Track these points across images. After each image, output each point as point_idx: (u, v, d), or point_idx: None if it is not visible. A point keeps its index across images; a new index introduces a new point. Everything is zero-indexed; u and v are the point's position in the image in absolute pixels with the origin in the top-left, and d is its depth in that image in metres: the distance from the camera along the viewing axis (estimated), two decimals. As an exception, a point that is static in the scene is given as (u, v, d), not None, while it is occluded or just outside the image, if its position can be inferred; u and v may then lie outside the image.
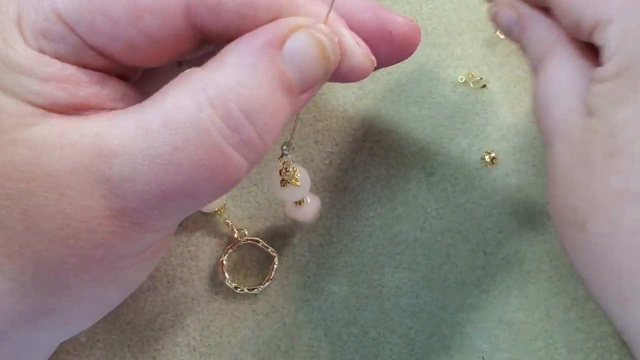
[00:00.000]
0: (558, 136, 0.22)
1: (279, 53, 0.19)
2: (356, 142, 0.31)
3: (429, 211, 0.31)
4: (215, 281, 0.30)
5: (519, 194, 0.31)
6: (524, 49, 0.26)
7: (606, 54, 0.21)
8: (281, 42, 0.19)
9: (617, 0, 0.21)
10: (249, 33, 0.19)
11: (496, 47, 0.32)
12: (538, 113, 0.23)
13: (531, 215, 0.31)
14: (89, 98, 0.19)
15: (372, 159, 0.31)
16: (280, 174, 0.26)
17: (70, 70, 0.19)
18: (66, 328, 0.22)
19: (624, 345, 0.29)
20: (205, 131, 0.18)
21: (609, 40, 0.21)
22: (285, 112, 0.20)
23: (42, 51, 0.19)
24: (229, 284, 0.29)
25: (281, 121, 0.20)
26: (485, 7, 0.33)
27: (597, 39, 0.21)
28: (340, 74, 0.21)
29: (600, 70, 0.21)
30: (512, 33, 0.26)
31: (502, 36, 0.32)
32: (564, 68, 0.23)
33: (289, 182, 0.26)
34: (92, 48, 0.19)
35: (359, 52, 0.21)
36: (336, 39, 0.20)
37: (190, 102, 0.18)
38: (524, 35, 0.25)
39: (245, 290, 0.29)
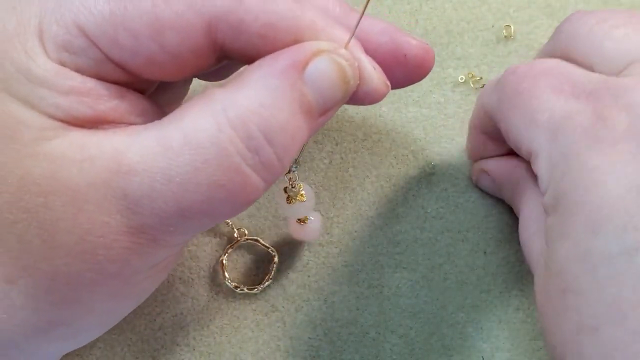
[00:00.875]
0: (535, 277, 0.23)
1: (301, 76, 0.19)
2: (356, 142, 0.31)
3: (429, 211, 0.31)
4: (215, 281, 0.30)
5: (519, 193, 0.31)
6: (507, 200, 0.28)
7: (542, 186, 0.21)
8: (303, 65, 0.19)
9: (544, 132, 0.21)
10: (271, 55, 0.19)
11: (496, 47, 0.32)
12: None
13: (531, 215, 0.31)
14: (107, 112, 0.19)
15: (372, 159, 0.31)
16: (286, 191, 0.26)
17: (90, 83, 0.19)
18: (75, 339, 0.22)
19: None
20: (225, 152, 0.18)
21: (540, 172, 0.21)
22: (303, 134, 0.20)
23: (62, 64, 0.19)
24: (228, 284, 0.29)
25: (299, 143, 0.20)
26: (484, 8, 0.33)
27: (535, 170, 0.22)
28: (357, 97, 0.21)
29: (543, 204, 0.21)
30: (496, 192, 0.29)
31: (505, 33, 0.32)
32: (531, 215, 0.24)
33: (294, 199, 0.26)
34: (112, 62, 0.19)
35: (375, 76, 0.21)
36: (356, 64, 0.20)
37: (211, 122, 0.18)
38: (502, 191, 0.29)
39: (245, 290, 0.29)
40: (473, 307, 0.30)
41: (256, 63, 0.19)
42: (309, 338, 0.29)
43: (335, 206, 0.31)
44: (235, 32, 0.19)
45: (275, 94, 0.19)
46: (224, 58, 0.21)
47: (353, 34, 0.20)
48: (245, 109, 0.18)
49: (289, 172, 0.26)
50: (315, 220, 0.28)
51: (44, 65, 0.18)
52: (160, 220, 0.18)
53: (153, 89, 0.23)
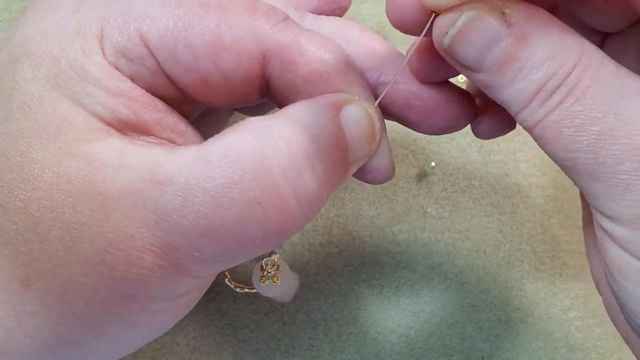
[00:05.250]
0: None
1: (338, 115, 0.19)
2: (356, 142, 0.31)
3: (429, 211, 0.31)
4: (215, 281, 0.30)
5: (518, 193, 0.31)
6: None
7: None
8: (340, 107, 0.19)
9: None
10: (309, 99, 0.20)
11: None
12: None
13: (531, 214, 0.31)
14: (151, 123, 0.19)
15: (372, 158, 0.31)
16: (262, 270, 0.26)
17: (139, 91, 0.19)
18: None
19: (623, 345, 0.29)
20: (266, 167, 0.17)
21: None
22: (337, 175, 0.19)
23: (117, 68, 0.19)
24: (229, 284, 0.29)
25: (335, 181, 0.19)
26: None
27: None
28: (365, 169, 0.21)
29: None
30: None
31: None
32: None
33: (269, 280, 0.26)
34: (166, 75, 0.19)
35: (389, 155, 0.21)
36: (383, 121, 0.21)
37: (254, 137, 0.18)
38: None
39: (245, 290, 0.29)
40: (473, 307, 0.30)
41: (296, 102, 0.20)
42: (309, 337, 0.29)
43: (335, 206, 0.31)
44: (284, 69, 0.20)
45: (318, 123, 0.19)
46: (265, 94, 0.21)
47: (383, 95, 0.21)
48: (290, 128, 0.18)
49: (270, 254, 0.26)
50: (282, 286, 0.27)
51: (99, 64, 0.18)
52: (187, 241, 0.17)
53: (196, 116, 0.23)
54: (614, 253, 0.18)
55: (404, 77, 0.21)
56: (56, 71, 0.18)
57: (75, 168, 0.17)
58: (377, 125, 0.20)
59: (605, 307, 0.23)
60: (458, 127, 0.22)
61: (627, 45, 0.21)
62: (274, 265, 0.26)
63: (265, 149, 0.17)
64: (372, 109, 0.20)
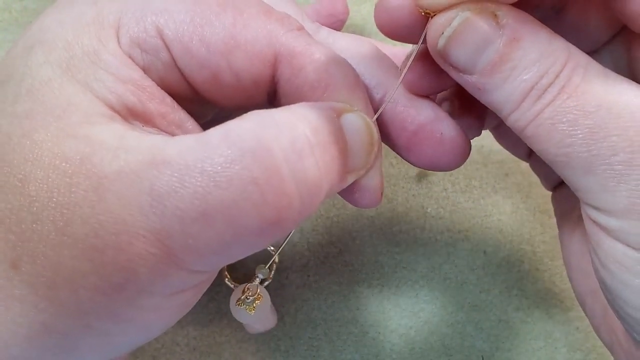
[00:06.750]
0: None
1: (339, 119, 0.20)
2: (356, 142, 0.31)
3: (429, 211, 0.31)
4: (215, 281, 0.29)
5: (518, 193, 0.31)
6: None
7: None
8: (341, 113, 0.20)
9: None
10: (311, 102, 0.20)
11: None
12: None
13: (531, 214, 0.31)
14: (156, 114, 0.19)
15: (372, 158, 0.31)
16: (242, 293, 0.26)
17: (149, 82, 0.19)
18: (68, 357, 0.20)
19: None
20: (267, 147, 0.17)
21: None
22: (335, 176, 0.19)
23: (131, 58, 0.19)
24: (229, 284, 0.29)
25: (334, 183, 0.19)
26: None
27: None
28: (353, 188, 0.21)
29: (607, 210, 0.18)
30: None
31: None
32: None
33: (245, 305, 0.26)
34: (179, 70, 0.20)
35: (379, 178, 0.21)
36: (379, 135, 0.21)
37: (255, 122, 0.17)
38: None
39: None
40: (473, 307, 0.30)
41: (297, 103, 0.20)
42: (309, 337, 0.29)
43: (335, 206, 0.31)
44: (293, 75, 0.20)
45: (319, 118, 0.19)
46: (272, 100, 0.21)
47: (382, 110, 0.21)
48: (293, 116, 0.18)
49: (254, 279, 0.26)
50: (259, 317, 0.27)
51: (112, 52, 0.19)
52: (181, 225, 0.17)
53: (205, 120, 0.23)
54: (609, 246, 0.18)
55: (404, 98, 0.22)
56: (68, 56, 0.19)
57: (74, 149, 0.17)
58: (376, 136, 0.21)
59: (588, 317, 0.23)
60: (446, 164, 0.22)
61: (611, 62, 0.21)
62: (254, 295, 0.26)
63: (266, 131, 0.17)
64: (371, 122, 0.20)
